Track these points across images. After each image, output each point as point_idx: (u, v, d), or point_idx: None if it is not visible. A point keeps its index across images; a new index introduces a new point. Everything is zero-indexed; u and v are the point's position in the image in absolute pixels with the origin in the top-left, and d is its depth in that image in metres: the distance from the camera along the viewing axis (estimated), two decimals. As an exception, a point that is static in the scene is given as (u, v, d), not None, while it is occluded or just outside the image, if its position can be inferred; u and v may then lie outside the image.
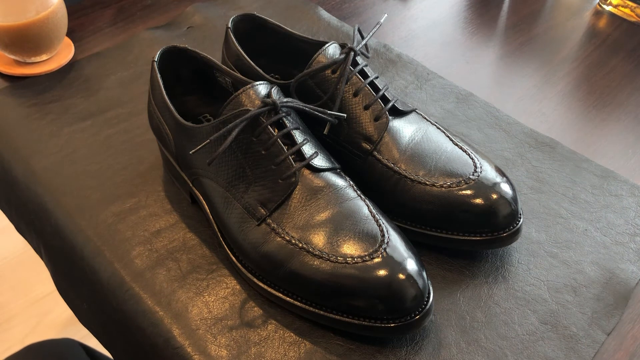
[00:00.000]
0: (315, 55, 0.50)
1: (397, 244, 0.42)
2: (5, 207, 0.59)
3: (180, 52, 0.53)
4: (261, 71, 0.52)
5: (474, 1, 0.82)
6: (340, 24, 0.73)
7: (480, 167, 0.47)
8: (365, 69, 0.51)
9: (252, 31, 0.58)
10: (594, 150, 0.60)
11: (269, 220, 0.44)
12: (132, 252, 0.48)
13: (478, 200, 0.46)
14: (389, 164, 0.48)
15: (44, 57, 0.64)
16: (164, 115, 0.50)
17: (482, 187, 0.46)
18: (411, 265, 0.41)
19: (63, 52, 0.66)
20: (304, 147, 0.45)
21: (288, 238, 0.43)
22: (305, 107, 0.46)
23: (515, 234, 0.47)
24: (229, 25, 0.55)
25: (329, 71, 0.50)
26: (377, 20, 0.71)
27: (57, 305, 1.23)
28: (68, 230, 0.50)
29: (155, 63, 0.51)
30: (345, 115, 0.47)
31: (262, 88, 0.46)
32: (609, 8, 0.80)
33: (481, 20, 0.78)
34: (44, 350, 0.61)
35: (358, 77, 0.50)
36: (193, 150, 0.44)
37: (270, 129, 0.45)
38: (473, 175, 0.47)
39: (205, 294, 0.45)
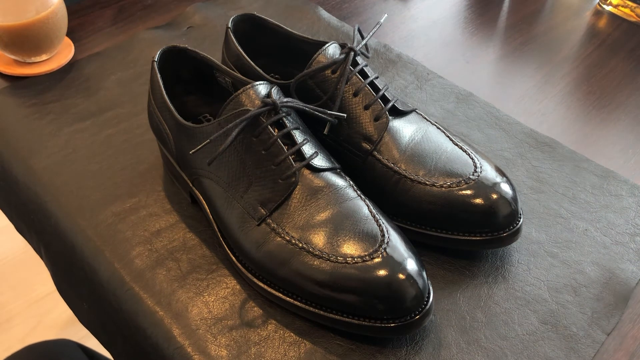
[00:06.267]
0: (315, 55, 0.50)
1: (397, 244, 0.42)
2: (5, 207, 0.59)
3: (180, 52, 0.53)
4: (261, 71, 0.52)
5: (474, 1, 0.82)
6: (340, 24, 0.73)
7: (480, 167, 0.47)
8: (365, 69, 0.51)
9: (252, 31, 0.58)
10: (594, 150, 0.60)
11: (269, 220, 0.44)
12: (132, 252, 0.48)
13: (478, 200, 0.45)
14: (389, 164, 0.48)
15: (44, 57, 0.64)
16: (164, 115, 0.50)
17: (482, 187, 0.46)
18: (411, 265, 0.41)
19: (63, 52, 0.66)
20: (304, 147, 0.45)
21: (288, 238, 0.43)
22: (305, 107, 0.46)
23: (515, 234, 0.47)
24: (229, 25, 0.55)
25: (329, 71, 0.50)
26: (377, 20, 0.71)
27: (57, 305, 1.23)
28: (68, 230, 0.50)
29: (155, 63, 0.51)
30: (345, 115, 0.47)
31: (262, 88, 0.46)
32: (609, 8, 0.80)
33: (481, 20, 0.78)
34: (44, 350, 0.61)
35: (358, 77, 0.50)
36: (193, 150, 0.44)
37: (270, 129, 0.45)
38: (473, 175, 0.47)
39: (205, 294, 0.45)
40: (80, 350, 0.63)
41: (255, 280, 0.44)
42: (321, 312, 0.42)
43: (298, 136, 0.45)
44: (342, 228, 0.42)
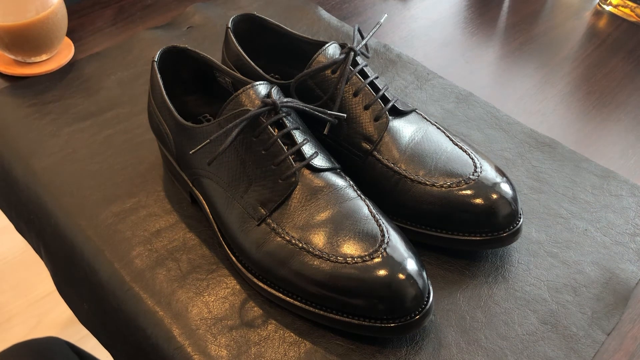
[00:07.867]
0: (315, 55, 0.50)
1: (397, 244, 0.42)
2: (5, 207, 0.59)
3: (180, 52, 0.53)
4: (261, 71, 0.52)
5: (474, 1, 0.82)
6: (340, 24, 0.73)
7: (480, 167, 0.47)
8: (365, 69, 0.51)
9: (252, 31, 0.58)
10: (594, 150, 0.60)
11: (269, 220, 0.44)
12: (132, 252, 0.48)
13: (478, 200, 0.45)
14: (389, 164, 0.48)
15: (44, 57, 0.64)
16: (164, 115, 0.50)
17: (482, 187, 0.46)
18: (411, 265, 0.41)
19: (63, 52, 0.66)
20: (304, 147, 0.45)
21: (288, 238, 0.43)
22: (305, 107, 0.46)
23: (515, 234, 0.47)
24: (229, 25, 0.55)
25: (329, 71, 0.50)
26: (377, 20, 0.71)
27: (57, 305, 1.23)
28: (68, 230, 0.50)
29: (155, 63, 0.51)
30: (345, 115, 0.47)
31: (262, 88, 0.46)
32: (609, 8, 0.80)
33: (481, 20, 0.78)
34: (35, 348, 0.61)
35: (358, 77, 0.50)
36: (193, 150, 0.44)
37: (270, 129, 0.45)
38: (473, 175, 0.47)
39: (205, 294, 0.45)
40: (69, 348, 0.63)
41: (255, 280, 0.44)
42: (321, 312, 0.42)
43: (298, 136, 0.45)
44: (342, 228, 0.42)
